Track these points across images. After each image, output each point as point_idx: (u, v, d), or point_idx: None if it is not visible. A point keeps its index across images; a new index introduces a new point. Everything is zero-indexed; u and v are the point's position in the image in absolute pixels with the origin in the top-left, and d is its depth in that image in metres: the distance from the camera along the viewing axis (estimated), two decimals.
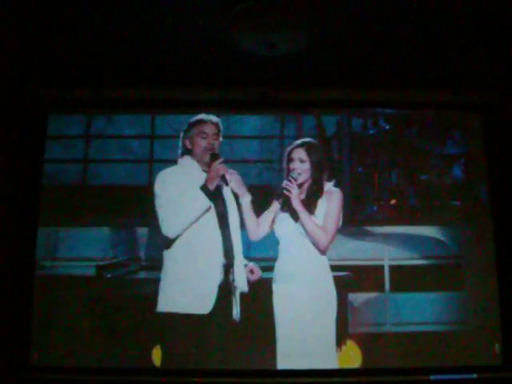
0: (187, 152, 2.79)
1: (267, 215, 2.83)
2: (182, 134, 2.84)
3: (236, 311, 2.75)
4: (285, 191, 2.74)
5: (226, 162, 2.83)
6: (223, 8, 2.83)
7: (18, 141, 3.27)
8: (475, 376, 3.13)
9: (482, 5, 2.83)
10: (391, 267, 3.23)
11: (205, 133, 2.76)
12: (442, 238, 3.29)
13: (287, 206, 2.78)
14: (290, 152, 2.85)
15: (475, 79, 3.50)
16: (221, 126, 2.85)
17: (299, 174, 2.79)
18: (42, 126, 3.40)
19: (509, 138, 3.43)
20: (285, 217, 2.80)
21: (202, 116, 2.82)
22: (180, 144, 2.85)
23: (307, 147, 2.83)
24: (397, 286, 3.20)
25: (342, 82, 3.49)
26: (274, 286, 2.79)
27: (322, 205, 2.78)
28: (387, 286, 3.21)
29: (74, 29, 3.03)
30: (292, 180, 2.75)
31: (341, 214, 2.83)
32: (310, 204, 2.77)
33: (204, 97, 3.47)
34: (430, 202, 3.36)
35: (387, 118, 3.45)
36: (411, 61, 3.33)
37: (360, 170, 3.43)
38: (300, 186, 2.80)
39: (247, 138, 3.29)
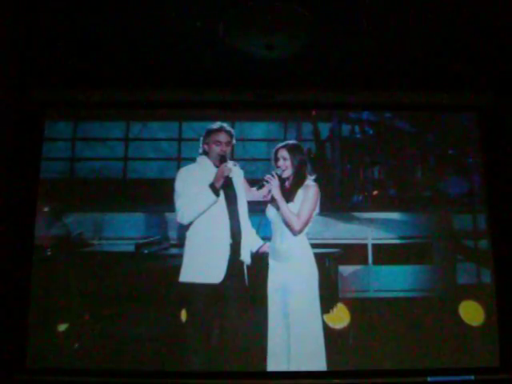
0: (205, 153, 3.24)
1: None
2: (202, 138, 3.27)
3: (244, 280, 3.15)
4: (265, 183, 3.10)
5: (239, 160, 3.35)
6: (222, 10, 2.82)
7: (17, 140, 3.35)
8: (473, 378, 3.20)
9: (479, 6, 2.81)
10: (373, 245, 3.57)
11: (219, 141, 3.18)
12: (415, 222, 3.62)
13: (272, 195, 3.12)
14: (276, 152, 3.20)
15: (471, 81, 3.52)
16: (233, 134, 3.26)
17: (283, 170, 3.16)
18: (38, 126, 3.52)
19: (504, 139, 3.51)
20: (272, 204, 3.16)
21: (218, 125, 3.23)
22: (200, 145, 3.28)
23: (289, 148, 3.19)
24: (378, 260, 3.54)
25: (339, 84, 3.58)
26: (270, 261, 3.15)
27: (299, 195, 3.15)
28: (370, 260, 3.55)
29: (75, 30, 3.03)
30: (274, 174, 3.11)
31: (316, 204, 3.18)
32: (290, 193, 3.15)
33: (202, 98, 3.60)
34: (405, 193, 3.68)
35: (371, 125, 3.74)
36: (407, 63, 3.37)
37: (348, 166, 3.73)
38: (285, 179, 3.16)
39: (257, 140, 3.62)
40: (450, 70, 3.40)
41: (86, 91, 3.57)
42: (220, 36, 2.97)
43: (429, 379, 3.15)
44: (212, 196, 3.11)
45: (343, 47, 3.17)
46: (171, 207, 3.30)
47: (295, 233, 3.08)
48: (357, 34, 3.02)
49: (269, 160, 3.38)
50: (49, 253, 3.40)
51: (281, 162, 3.15)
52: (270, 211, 3.18)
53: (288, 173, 3.16)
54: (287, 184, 3.16)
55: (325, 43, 3.12)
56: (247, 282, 3.16)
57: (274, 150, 3.22)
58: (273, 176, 3.09)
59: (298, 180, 3.15)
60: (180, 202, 3.15)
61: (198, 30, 2.96)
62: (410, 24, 2.94)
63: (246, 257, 3.15)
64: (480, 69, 3.39)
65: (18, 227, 3.35)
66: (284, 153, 3.16)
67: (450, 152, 3.67)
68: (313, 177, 3.20)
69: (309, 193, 3.13)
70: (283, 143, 3.22)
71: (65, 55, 3.25)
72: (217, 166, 3.16)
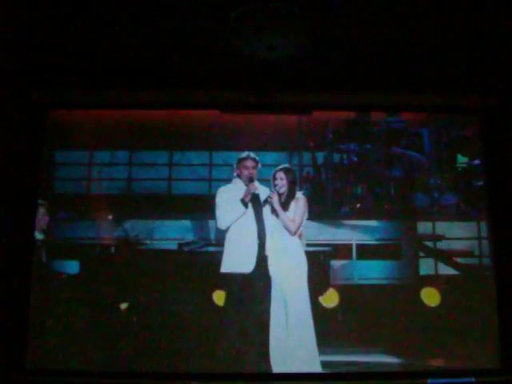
0: (238, 175, 3.87)
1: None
2: (235, 165, 3.88)
3: (267, 269, 3.72)
4: (268, 198, 3.73)
5: (258, 180, 3.85)
6: (224, 11, 2.73)
7: (18, 141, 3.35)
8: (474, 380, 3.12)
9: (481, 10, 2.70)
10: (357, 245, 4.02)
11: (247, 166, 3.82)
12: (388, 228, 4.07)
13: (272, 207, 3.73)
14: (275, 173, 3.78)
15: (474, 83, 3.40)
16: (258, 160, 3.84)
17: (280, 187, 3.74)
18: (39, 127, 3.57)
19: (506, 141, 3.47)
20: (273, 213, 3.75)
21: (246, 154, 3.84)
22: (234, 170, 3.88)
23: (285, 170, 3.79)
24: (360, 256, 4.00)
25: (340, 86, 3.54)
26: (271, 256, 3.73)
27: (292, 205, 3.75)
28: (354, 256, 4.01)
29: (75, 30, 2.95)
30: (274, 192, 3.71)
31: (305, 211, 3.74)
32: (285, 205, 3.75)
33: (203, 98, 3.70)
34: (381, 206, 4.13)
35: (356, 154, 4.17)
36: (410, 65, 3.24)
37: (338, 185, 4.19)
38: (282, 194, 3.74)
39: (269, 165, 4.00)
40: (453, 72, 3.33)
41: (86, 92, 3.64)
42: (222, 36, 2.89)
43: (429, 381, 3.19)
44: (242, 208, 3.77)
45: (344, 48, 3.14)
46: (204, 215, 3.97)
47: (292, 234, 3.71)
48: (357, 35, 2.96)
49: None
50: (112, 250, 3.99)
51: (278, 181, 3.77)
52: (272, 218, 3.77)
53: (284, 189, 3.77)
54: (283, 198, 3.77)
55: (326, 45, 3.09)
56: (270, 271, 3.76)
57: (272, 173, 3.79)
58: (273, 193, 3.73)
59: (291, 194, 3.78)
60: (219, 212, 3.81)
61: (200, 30, 2.87)
62: (412, 26, 2.87)
63: (268, 252, 3.76)
64: (484, 71, 3.32)
65: (19, 226, 3.45)
66: (281, 174, 3.78)
67: (415, 175, 4.14)
68: (301, 191, 3.80)
69: (299, 203, 3.75)
70: (280, 167, 3.81)
71: (66, 56, 3.22)
72: (246, 185, 3.79)
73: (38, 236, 3.94)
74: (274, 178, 3.79)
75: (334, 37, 2.99)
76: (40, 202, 3.91)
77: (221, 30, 2.91)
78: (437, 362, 3.65)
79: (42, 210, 3.88)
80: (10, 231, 3.40)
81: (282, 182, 3.77)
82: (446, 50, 3.14)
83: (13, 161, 3.42)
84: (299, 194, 3.77)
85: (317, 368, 3.67)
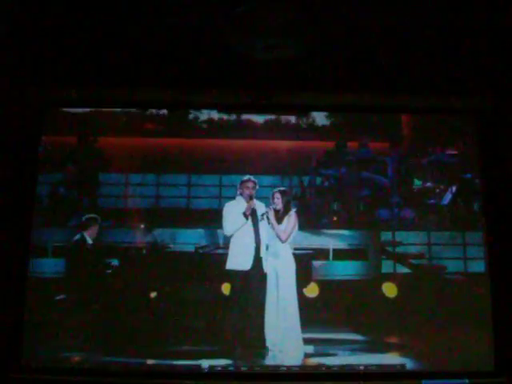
0: (240, 194, 4.64)
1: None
2: (238, 185, 4.62)
3: (262, 268, 4.53)
4: (265, 213, 4.44)
5: (256, 198, 4.62)
6: (222, 11, 2.65)
7: (15, 138, 3.29)
8: (467, 381, 3.12)
9: (478, 12, 2.65)
10: (333, 249, 4.70)
11: (248, 187, 4.59)
12: (358, 236, 4.75)
13: (269, 220, 4.45)
14: (273, 194, 4.54)
15: (470, 84, 3.36)
16: (257, 182, 4.58)
17: (277, 205, 4.49)
18: (37, 125, 3.59)
19: (502, 142, 3.50)
20: (269, 225, 4.48)
21: (247, 177, 4.58)
22: (237, 189, 4.63)
23: (281, 192, 4.54)
24: (336, 258, 4.68)
25: (336, 87, 3.54)
26: (267, 258, 4.51)
27: (285, 220, 4.48)
28: (331, 257, 4.67)
29: (74, 30, 2.83)
30: (271, 208, 4.45)
31: (296, 225, 4.47)
32: (280, 219, 4.49)
33: (200, 98, 3.89)
34: (352, 219, 4.82)
35: (334, 178, 4.83)
36: (406, 66, 3.22)
37: (319, 201, 4.87)
38: (278, 210, 4.48)
39: (266, 186, 4.69)
40: (449, 74, 3.27)
41: (85, 90, 3.71)
42: (219, 37, 2.73)
43: (423, 382, 3.22)
44: (243, 220, 4.59)
45: (342, 50, 3.13)
46: (215, 225, 4.71)
47: (283, 242, 4.53)
48: (355, 37, 2.88)
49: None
50: (144, 252, 4.80)
51: (275, 200, 4.55)
52: (268, 229, 4.51)
53: (279, 206, 4.55)
54: (279, 214, 4.53)
55: (323, 46, 3.07)
56: (264, 269, 4.55)
57: (271, 193, 4.57)
58: (270, 209, 4.52)
59: (285, 211, 4.55)
60: (225, 222, 4.61)
61: (197, 31, 2.73)
62: (408, 29, 2.80)
63: (263, 255, 4.58)
64: (480, 72, 3.26)
65: (15, 228, 3.53)
66: (278, 194, 4.57)
67: (380, 194, 4.83)
68: (294, 209, 4.56)
69: (291, 218, 4.55)
70: (278, 189, 4.60)
71: (65, 55, 3.16)
72: (247, 202, 4.58)
73: (89, 241, 4.91)
74: (273, 197, 4.57)
75: (330, 40, 2.95)
76: (96, 216, 4.90)
77: (219, 30, 2.87)
78: (392, 339, 4.40)
79: (98, 223, 4.85)
80: (8, 231, 3.53)
81: (278, 200, 4.57)
82: (443, 52, 3.13)
83: (10, 159, 3.50)
84: (292, 211, 4.54)
85: (299, 342, 4.48)
